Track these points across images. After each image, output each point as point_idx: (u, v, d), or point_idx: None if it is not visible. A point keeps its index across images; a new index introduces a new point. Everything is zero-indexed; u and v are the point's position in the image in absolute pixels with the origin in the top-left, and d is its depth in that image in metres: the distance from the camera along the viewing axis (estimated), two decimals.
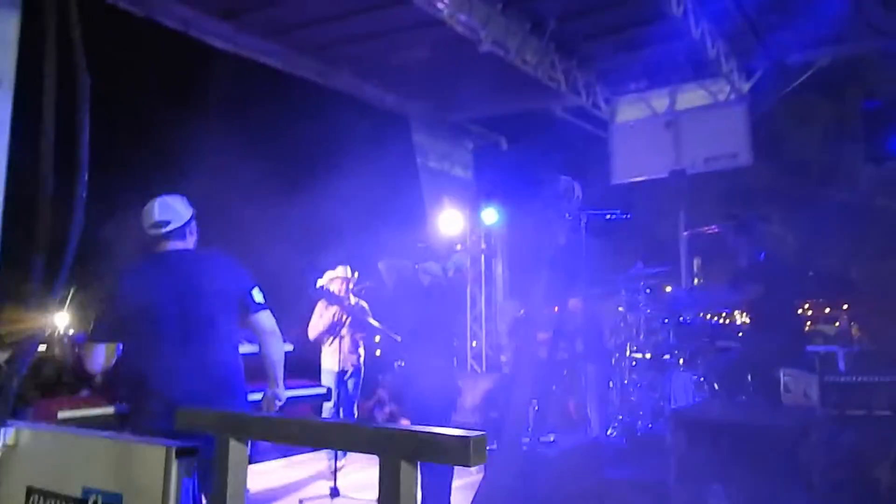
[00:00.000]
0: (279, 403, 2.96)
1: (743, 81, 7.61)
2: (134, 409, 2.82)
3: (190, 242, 2.91)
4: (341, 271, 5.77)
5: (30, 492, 2.26)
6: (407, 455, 1.44)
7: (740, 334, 5.65)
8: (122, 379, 2.88)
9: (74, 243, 2.47)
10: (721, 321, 5.71)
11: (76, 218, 2.48)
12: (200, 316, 2.72)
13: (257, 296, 2.86)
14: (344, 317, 5.36)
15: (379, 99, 8.42)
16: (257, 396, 3.04)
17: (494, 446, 3.89)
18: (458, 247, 9.08)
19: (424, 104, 8.81)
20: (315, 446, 1.85)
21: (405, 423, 8.91)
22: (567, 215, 3.54)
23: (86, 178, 2.53)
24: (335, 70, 7.71)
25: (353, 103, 8.32)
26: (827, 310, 15.70)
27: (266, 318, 2.88)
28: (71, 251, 2.48)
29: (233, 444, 1.81)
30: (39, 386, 7.24)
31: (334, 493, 4.69)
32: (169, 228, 2.82)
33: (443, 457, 1.42)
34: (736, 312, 6.04)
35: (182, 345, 2.68)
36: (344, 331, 5.45)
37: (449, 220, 8.83)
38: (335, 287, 5.60)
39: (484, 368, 9.37)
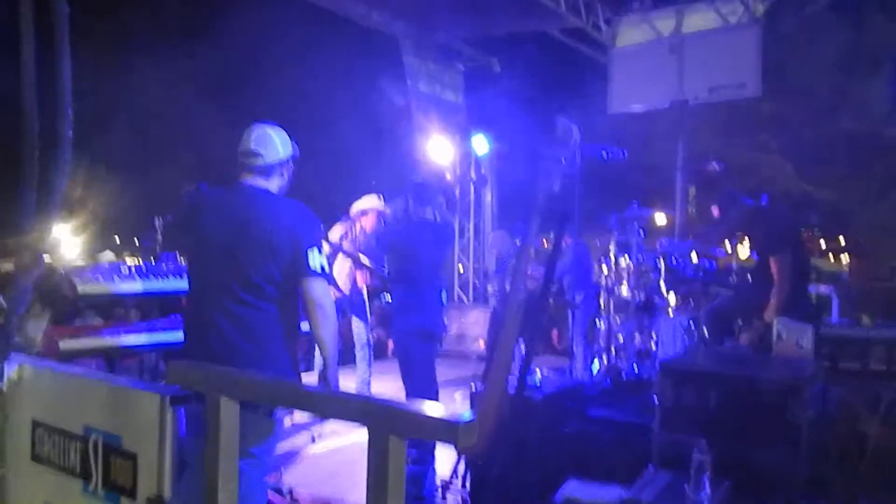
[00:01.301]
0: None
1: (758, 2, 7.09)
2: (185, 334, 2.71)
3: (273, 184, 2.64)
4: (376, 201, 5.53)
5: (35, 425, 2.38)
6: (397, 430, 1.45)
7: (732, 278, 5.49)
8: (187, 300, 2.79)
9: (63, 180, 2.50)
10: (716, 264, 5.52)
11: (63, 154, 2.47)
12: (242, 256, 2.49)
13: (313, 259, 2.52)
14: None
15: (364, 17, 7.90)
16: None
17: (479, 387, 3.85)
18: (448, 175, 8.84)
19: (414, 23, 8.29)
20: (304, 410, 1.80)
21: (392, 346, 8.95)
22: (563, 160, 3.29)
23: (70, 112, 2.50)
24: None
25: (338, 23, 7.85)
26: (822, 242, 15.64)
27: (315, 286, 2.53)
28: (60, 187, 2.50)
29: (224, 401, 1.79)
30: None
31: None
32: (257, 162, 2.59)
33: (432, 435, 1.46)
34: (731, 256, 5.86)
35: (221, 289, 2.51)
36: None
37: (439, 148, 8.51)
38: (369, 220, 5.47)
39: (470, 299, 9.28)
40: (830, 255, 13.92)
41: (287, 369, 2.59)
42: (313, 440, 4.64)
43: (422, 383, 4.31)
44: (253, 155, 2.59)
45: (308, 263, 2.52)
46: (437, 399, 4.41)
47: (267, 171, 2.61)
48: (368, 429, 1.48)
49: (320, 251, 2.57)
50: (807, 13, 7.72)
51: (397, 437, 1.45)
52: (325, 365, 2.63)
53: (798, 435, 3.29)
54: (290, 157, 2.70)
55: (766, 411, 3.36)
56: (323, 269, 2.57)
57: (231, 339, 2.49)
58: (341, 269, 5.45)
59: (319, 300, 2.54)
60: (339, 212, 5.64)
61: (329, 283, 2.66)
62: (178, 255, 2.99)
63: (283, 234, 2.52)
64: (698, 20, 7.35)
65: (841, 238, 13.80)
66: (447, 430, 1.39)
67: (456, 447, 1.39)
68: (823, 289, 7.12)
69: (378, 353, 8.91)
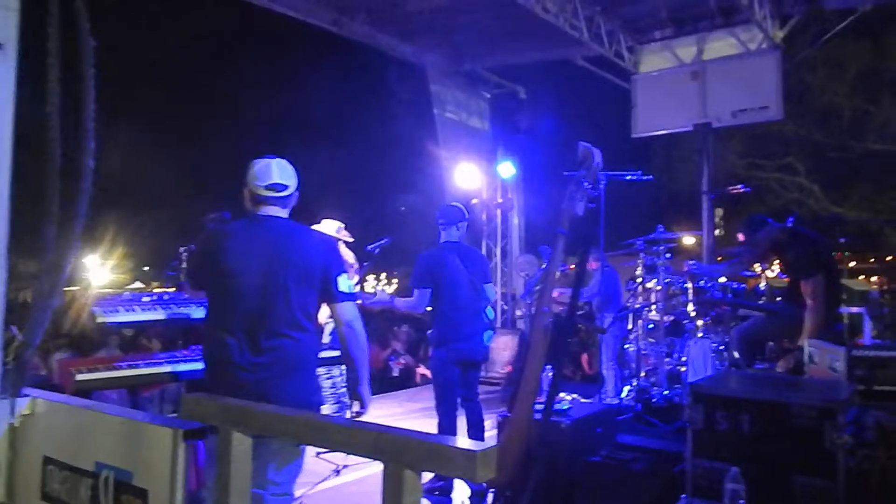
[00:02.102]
0: (362, 411, 2.79)
1: (776, 29, 7.16)
2: (208, 368, 2.70)
3: (286, 213, 2.74)
4: (332, 228, 5.69)
5: (46, 461, 2.33)
6: (412, 464, 1.41)
7: (762, 300, 5.47)
8: (203, 336, 2.79)
9: (84, 210, 2.48)
10: (745, 286, 5.50)
11: (84, 186, 2.48)
12: (278, 287, 2.55)
13: (343, 283, 2.65)
14: None
15: (395, 48, 8.12)
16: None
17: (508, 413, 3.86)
18: (475, 200, 8.93)
19: (441, 53, 8.49)
20: (318, 445, 1.80)
21: (420, 372, 8.99)
22: (586, 184, 3.34)
23: (92, 146, 2.52)
24: (350, 19, 7.42)
25: (369, 53, 8.07)
26: (852, 263, 15.39)
27: (346, 310, 2.66)
28: (80, 220, 2.49)
29: (236, 435, 1.78)
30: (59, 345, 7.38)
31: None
32: (283, 193, 2.66)
33: (448, 469, 1.38)
34: (760, 277, 5.84)
35: (257, 316, 2.54)
36: None
37: (466, 173, 8.63)
38: None
39: (499, 323, 9.30)
40: (861, 275, 13.69)
41: (317, 397, 2.70)
42: (337, 472, 4.55)
43: (447, 416, 4.29)
44: (280, 189, 2.65)
45: (338, 289, 2.63)
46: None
47: (287, 202, 2.70)
48: (383, 463, 1.45)
49: (348, 276, 2.68)
50: (825, 37, 7.76)
51: (412, 471, 1.41)
52: (357, 382, 2.74)
53: (835, 461, 3.25)
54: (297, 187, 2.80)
55: (801, 437, 3.33)
56: (351, 291, 2.69)
57: (264, 371, 2.51)
58: None
59: (351, 322, 2.66)
60: (370, 238, 5.76)
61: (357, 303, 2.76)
62: (190, 286, 2.94)
63: (315, 262, 2.61)
64: (719, 47, 7.43)
65: (871, 258, 13.59)
66: (464, 462, 1.33)
67: (473, 481, 1.36)
68: (854, 309, 7.03)
69: (406, 380, 8.99)
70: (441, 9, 7.05)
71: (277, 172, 2.66)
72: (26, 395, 2.49)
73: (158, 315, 3.37)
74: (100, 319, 3.18)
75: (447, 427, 4.39)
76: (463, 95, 8.88)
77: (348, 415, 2.92)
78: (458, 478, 1.40)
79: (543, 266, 6.78)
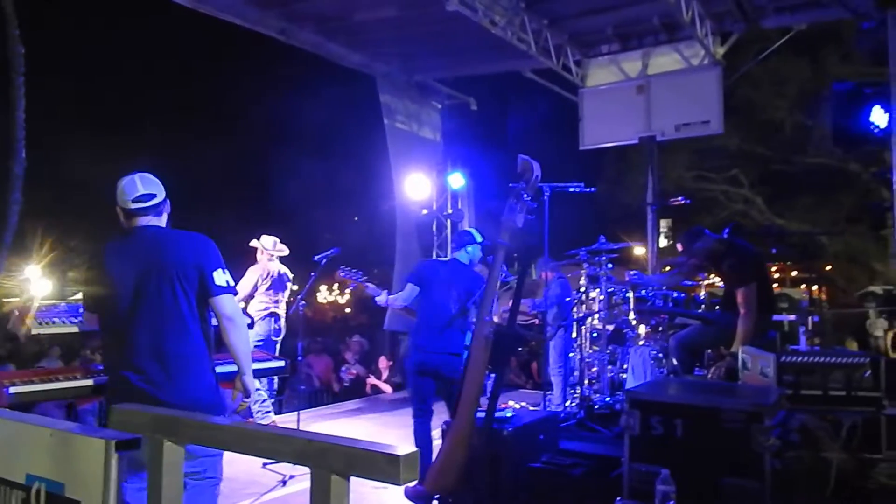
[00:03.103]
0: (246, 401, 2.95)
1: (717, 45, 7.41)
2: (109, 383, 2.79)
3: (163, 220, 2.86)
4: (268, 242, 6.16)
5: None
6: (339, 469, 1.44)
7: (702, 308, 5.62)
8: (102, 351, 2.89)
9: (14, 221, 2.57)
10: (684, 295, 5.64)
11: (14, 196, 2.55)
12: (160, 293, 2.67)
13: (219, 277, 2.75)
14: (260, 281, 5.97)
15: (344, 58, 8.11)
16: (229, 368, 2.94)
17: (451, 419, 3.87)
18: (424, 211, 8.96)
19: (391, 64, 8.51)
20: (247, 453, 1.80)
21: (371, 383, 8.94)
22: (525, 196, 3.41)
23: (23, 155, 2.56)
24: (298, 28, 7.38)
25: (317, 62, 8.04)
26: (794, 273, 15.93)
27: (225, 303, 2.76)
28: (11, 229, 2.58)
29: (167, 445, 1.80)
30: None
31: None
32: (152, 203, 2.78)
33: (374, 472, 1.41)
34: (702, 286, 6.00)
35: (141, 323, 2.66)
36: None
37: (416, 183, 8.65)
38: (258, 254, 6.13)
39: None
40: (803, 284, 14.17)
41: (211, 395, 2.77)
42: (284, 483, 4.53)
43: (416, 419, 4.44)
44: (148, 198, 2.77)
45: (215, 283, 2.73)
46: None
47: (159, 210, 2.82)
48: (311, 469, 1.48)
49: (224, 271, 2.78)
50: (764, 54, 8.05)
51: (339, 476, 1.44)
52: (240, 372, 2.86)
53: (762, 463, 3.35)
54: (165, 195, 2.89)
55: (730, 440, 3.43)
56: (228, 284, 2.79)
57: (157, 375, 2.63)
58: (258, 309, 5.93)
59: (231, 314, 2.78)
60: (322, 245, 5.81)
61: (234, 296, 2.84)
62: (86, 309, 2.97)
63: (190, 259, 2.73)
64: (663, 62, 7.63)
65: (811, 267, 14.12)
66: (389, 466, 1.37)
67: (397, 484, 1.41)
68: (792, 317, 7.31)
69: (356, 391, 8.93)
70: (390, 20, 7.08)
71: (142, 184, 2.78)
72: None
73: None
74: (35, 331, 3.17)
75: (418, 436, 4.46)
76: (414, 106, 8.91)
77: (234, 400, 2.99)
78: (383, 481, 1.40)
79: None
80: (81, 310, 3.18)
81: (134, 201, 2.75)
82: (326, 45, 7.82)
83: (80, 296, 2.91)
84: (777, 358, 4.00)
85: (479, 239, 4.70)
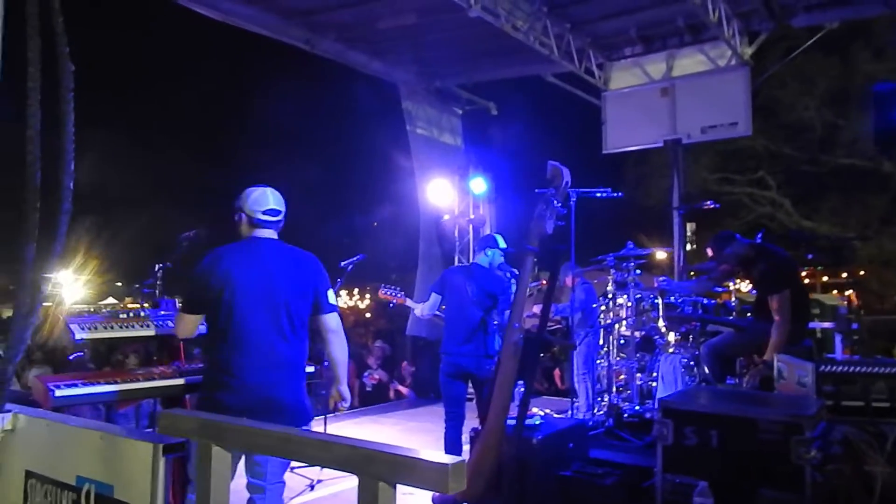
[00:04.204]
0: (345, 404, 3.18)
1: (745, 46, 7.25)
2: (208, 380, 2.95)
3: (276, 235, 3.06)
4: None
5: (28, 475, 2.42)
6: (385, 477, 1.44)
7: (733, 314, 5.48)
8: (204, 352, 3.04)
9: (64, 231, 2.61)
10: (714, 301, 5.51)
11: (64, 206, 2.59)
12: (282, 306, 2.88)
13: (330, 297, 3.04)
14: None
15: (365, 66, 8.13)
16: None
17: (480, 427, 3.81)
18: (446, 216, 8.91)
19: (412, 70, 8.51)
20: (293, 459, 1.80)
21: (397, 390, 8.89)
22: (555, 201, 3.35)
23: (72, 167, 2.64)
24: (321, 37, 7.41)
25: (341, 71, 8.08)
26: (825, 278, 15.58)
27: (335, 319, 3.05)
28: (61, 239, 2.62)
29: (215, 450, 1.81)
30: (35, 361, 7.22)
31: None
32: (276, 218, 3.00)
33: (421, 481, 1.41)
34: (731, 292, 5.86)
35: (258, 329, 2.84)
36: None
37: (438, 189, 8.61)
38: None
39: None
40: (834, 290, 13.86)
41: (307, 399, 3.01)
42: (312, 487, 4.57)
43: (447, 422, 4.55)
44: (275, 214, 2.99)
45: (328, 301, 3.03)
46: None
47: (278, 227, 3.04)
48: (357, 476, 1.47)
49: (331, 291, 3.07)
50: (794, 54, 7.88)
51: (386, 484, 1.44)
52: (337, 381, 3.12)
53: (802, 476, 3.24)
54: None
55: (768, 451, 3.32)
56: (335, 303, 3.09)
57: (267, 377, 2.83)
58: None
59: (338, 329, 3.08)
60: (343, 251, 5.80)
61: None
62: (186, 309, 3.06)
63: (309, 278, 2.99)
64: (688, 64, 7.50)
65: (843, 272, 13.79)
66: (437, 474, 1.37)
67: (445, 493, 1.36)
68: (826, 325, 7.09)
69: (379, 396, 8.87)
70: (411, 27, 7.06)
71: (273, 199, 3.01)
72: (8, 411, 2.57)
73: (136, 332, 3.46)
74: (78, 336, 3.23)
75: (449, 441, 4.52)
76: (434, 112, 8.89)
77: (336, 407, 3.25)
78: (430, 490, 1.40)
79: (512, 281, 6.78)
80: (179, 304, 3.32)
81: (264, 213, 2.96)
82: (348, 53, 7.85)
83: (179, 298, 3.08)
84: (816, 367, 3.86)
85: (501, 245, 4.72)
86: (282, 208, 3.03)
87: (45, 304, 2.89)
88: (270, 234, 3.01)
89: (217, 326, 2.90)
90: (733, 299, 5.75)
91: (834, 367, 3.90)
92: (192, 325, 3.01)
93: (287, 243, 3.06)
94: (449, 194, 8.77)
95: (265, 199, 2.98)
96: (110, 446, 2.16)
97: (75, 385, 3.14)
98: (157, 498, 1.97)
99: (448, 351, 4.58)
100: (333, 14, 7.05)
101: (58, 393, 3.04)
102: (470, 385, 4.66)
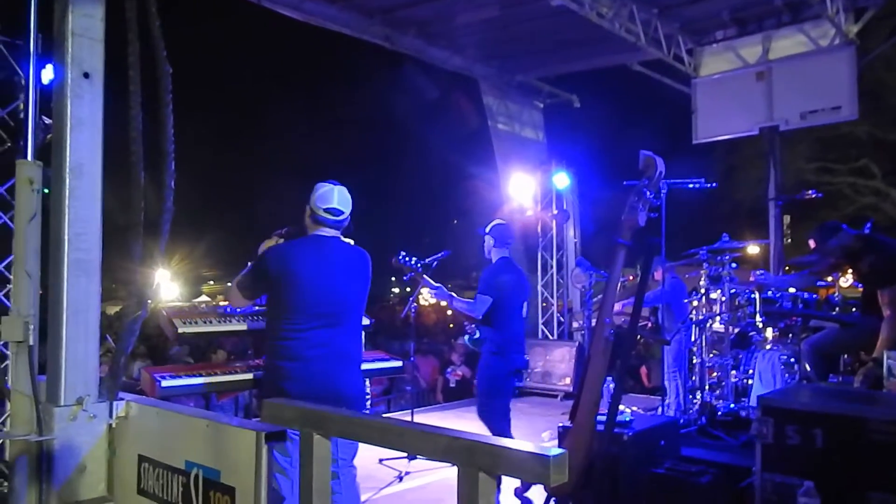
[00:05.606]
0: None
1: (850, 24, 6.80)
2: (270, 368, 2.98)
3: (339, 234, 3.07)
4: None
5: (141, 459, 2.58)
6: (486, 468, 1.44)
7: (836, 310, 5.18)
8: (265, 342, 3.08)
9: (166, 229, 2.75)
10: (816, 296, 5.22)
11: (166, 206, 2.72)
12: (347, 303, 2.98)
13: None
14: None
15: (446, 62, 8.19)
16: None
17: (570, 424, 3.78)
18: (529, 212, 8.86)
19: (493, 65, 8.51)
20: (393, 448, 1.84)
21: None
22: (648, 193, 3.26)
23: (173, 167, 2.76)
24: (401, 34, 7.52)
25: (421, 67, 8.17)
26: None
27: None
28: (164, 237, 2.76)
29: (317, 438, 1.86)
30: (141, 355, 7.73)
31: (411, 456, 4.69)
32: (339, 218, 2.99)
33: (522, 472, 1.42)
34: (833, 287, 5.53)
35: (327, 325, 2.91)
36: None
37: (520, 184, 8.58)
38: None
39: (555, 335, 9.16)
40: None
41: (364, 386, 3.18)
42: (400, 478, 4.62)
43: (504, 421, 4.39)
44: (340, 213, 2.98)
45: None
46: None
47: (340, 226, 3.02)
48: (458, 466, 1.47)
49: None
50: None
51: (487, 475, 1.43)
52: None
53: None
54: None
55: (879, 453, 3.14)
56: None
57: (331, 363, 2.90)
58: None
59: None
60: (423, 249, 5.78)
61: None
62: (244, 295, 3.12)
63: (365, 275, 3.08)
64: (786, 45, 7.12)
65: None
66: (538, 466, 1.36)
67: (547, 485, 1.36)
68: None
69: (463, 392, 8.94)
70: (492, 21, 7.06)
71: (337, 198, 2.97)
72: (122, 399, 2.76)
73: (233, 326, 3.60)
74: (181, 330, 3.38)
75: (502, 435, 4.38)
76: (516, 106, 8.85)
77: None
78: (532, 482, 1.39)
79: (592, 277, 6.66)
80: (237, 279, 3.30)
81: (325, 211, 2.95)
82: (428, 49, 7.92)
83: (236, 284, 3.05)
84: None
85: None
86: (346, 209, 2.99)
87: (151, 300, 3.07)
88: (331, 232, 3.00)
89: (279, 318, 2.94)
90: (836, 294, 5.42)
91: None
92: (239, 299, 3.07)
93: (344, 240, 3.08)
94: (531, 189, 8.71)
95: (330, 197, 2.96)
96: (216, 433, 2.26)
97: (179, 377, 3.29)
98: (261, 483, 2.04)
99: (510, 350, 4.32)
100: (413, 10, 7.12)
101: (164, 383, 3.18)
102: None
